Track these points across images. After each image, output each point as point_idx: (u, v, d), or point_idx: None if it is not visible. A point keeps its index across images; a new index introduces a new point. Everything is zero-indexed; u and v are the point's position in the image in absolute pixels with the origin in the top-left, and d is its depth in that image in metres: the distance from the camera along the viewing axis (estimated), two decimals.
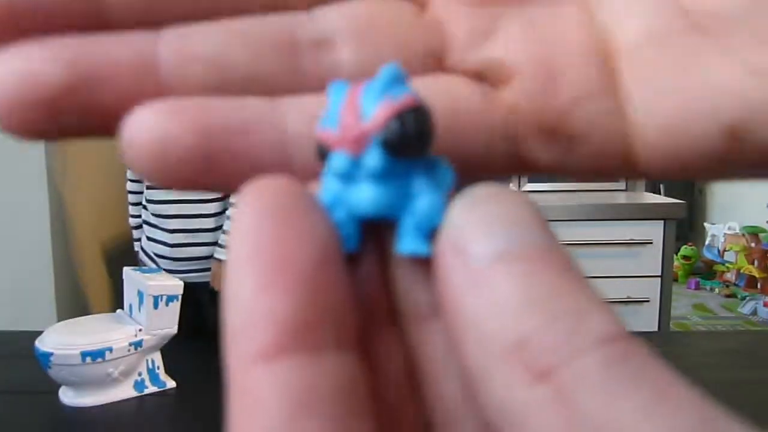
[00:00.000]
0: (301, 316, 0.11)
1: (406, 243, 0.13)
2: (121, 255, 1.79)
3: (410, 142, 0.13)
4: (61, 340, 1.02)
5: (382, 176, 0.13)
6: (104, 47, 0.15)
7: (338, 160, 0.13)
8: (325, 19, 0.16)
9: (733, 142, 0.14)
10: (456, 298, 0.12)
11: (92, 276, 2.16)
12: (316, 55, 0.16)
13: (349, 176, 0.13)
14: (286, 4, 0.16)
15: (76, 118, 0.15)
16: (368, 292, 0.14)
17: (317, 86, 0.15)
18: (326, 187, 0.14)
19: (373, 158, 0.13)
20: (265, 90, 0.15)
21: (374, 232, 0.14)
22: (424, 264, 0.13)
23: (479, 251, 0.11)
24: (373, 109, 0.13)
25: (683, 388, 0.10)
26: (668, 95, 0.15)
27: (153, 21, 0.15)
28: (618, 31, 0.15)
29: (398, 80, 0.13)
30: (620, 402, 0.09)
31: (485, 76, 0.16)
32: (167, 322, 1.09)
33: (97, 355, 1.02)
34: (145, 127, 0.14)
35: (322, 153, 0.14)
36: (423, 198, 0.13)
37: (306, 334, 0.11)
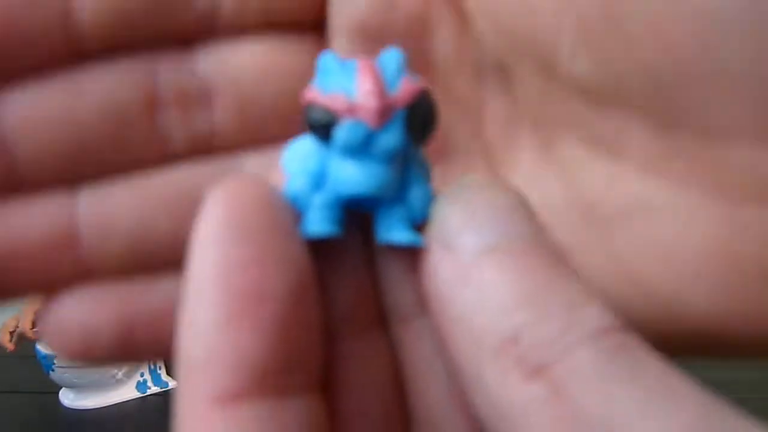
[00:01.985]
0: (270, 358, 0.10)
1: (396, 233, 0.12)
2: None
3: (431, 124, 0.12)
4: None
5: (390, 158, 0.12)
6: (19, 220, 0.14)
7: (354, 130, 0.12)
8: (252, 171, 0.16)
9: None
10: (444, 293, 0.11)
11: None
12: None
13: (353, 151, 0.12)
14: (210, 147, 0.16)
15: None
16: (355, 289, 0.13)
17: None
18: (308, 165, 0.13)
19: (394, 135, 0.12)
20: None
21: (356, 223, 0.13)
22: (407, 259, 0.13)
23: (468, 246, 0.11)
24: (396, 83, 0.12)
25: (681, 381, 0.09)
26: None
27: (69, 179, 0.15)
28: None
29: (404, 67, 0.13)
30: (616, 397, 0.09)
31: None
32: None
33: None
34: (68, 319, 0.14)
35: (321, 122, 0.12)
36: (418, 188, 0.13)
37: (272, 378, 0.10)
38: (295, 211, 0.12)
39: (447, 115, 0.16)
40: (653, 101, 0.13)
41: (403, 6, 0.15)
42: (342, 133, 0.12)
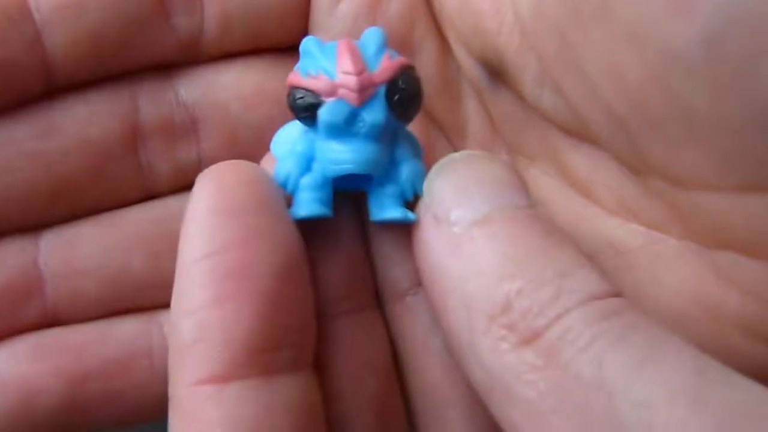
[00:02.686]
0: (259, 336, 0.11)
1: (388, 210, 0.12)
2: None
3: (413, 98, 0.13)
4: None
5: (375, 134, 0.12)
6: None
7: (337, 109, 0.12)
8: None
9: None
10: (438, 265, 0.11)
11: None
12: None
13: (338, 130, 0.12)
14: (190, 183, 0.15)
15: None
16: (349, 268, 0.13)
17: None
18: (295, 148, 0.13)
19: (376, 111, 0.12)
20: (166, 291, 0.14)
21: (349, 203, 0.13)
22: (401, 237, 0.13)
23: (459, 217, 0.11)
24: (377, 61, 0.12)
25: (675, 341, 0.09)
26: None
27: (40, 221, 0.14)
28: None
29: (385, 45, 0.13)
30: (609, 361, 0.09)
31: None
32: None
33: None
34: (3, 377, 0.13)
35: (305, 104, 0.12)
36: (408, 165, 0.13)
37: (262, 356, 0.11)
38: (285, 193, 0.12)
39: (429, 135, 0.16)
40: (619, 144, 0.13)
41: (385, 26, 0.15)
42: (325, 113, 0.12)
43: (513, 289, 0.10)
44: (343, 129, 0.12)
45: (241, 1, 0.15)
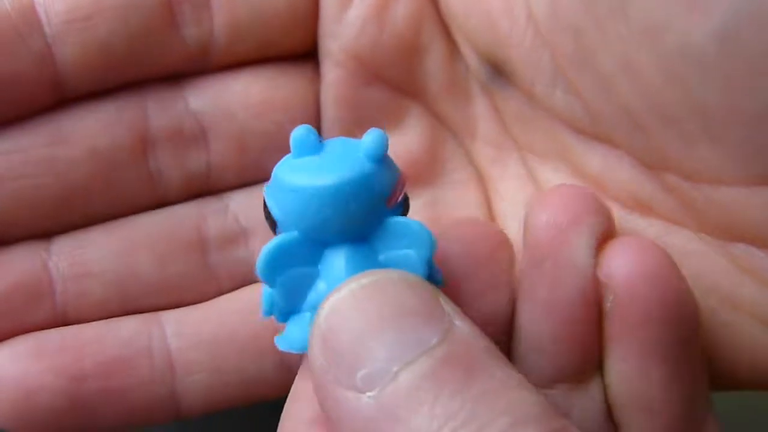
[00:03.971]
0: None
1: (284, 338, 0.12)
2: None
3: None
4: None
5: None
6: None
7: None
8: (238, 208, 0.16)
9: None
10: None
11: None
12: (226, 251, 0.15)
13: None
14: (206, 186, 0.16)
15: None
16: None
17: (228, 285, 0.15)
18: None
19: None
20: (173, 294, 0.15)
21: None
22: None
23: (367, 380, 0.09)
24: None
25: None
26: None
27: (50, 228, 0.14)
28: None
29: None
30: None
31: None
32: None
33: None
34: (3, 375, 0.13)
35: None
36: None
37: None
38: None
39: (438, 137, 0.16)
40: (634, 141, 0.13)
41: (393, 30, 0.15)
42: None
43: None
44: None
45: (249, 10, 0.15)
